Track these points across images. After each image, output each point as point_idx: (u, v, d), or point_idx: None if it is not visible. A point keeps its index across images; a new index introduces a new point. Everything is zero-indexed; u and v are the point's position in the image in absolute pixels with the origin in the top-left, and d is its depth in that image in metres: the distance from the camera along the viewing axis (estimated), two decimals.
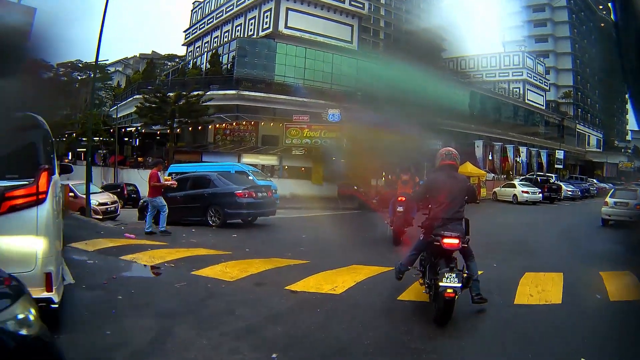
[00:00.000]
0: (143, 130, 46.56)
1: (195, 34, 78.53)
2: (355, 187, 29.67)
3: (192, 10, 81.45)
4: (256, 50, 54.15)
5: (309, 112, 43.87)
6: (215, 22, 72.04)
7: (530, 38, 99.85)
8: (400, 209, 13.29)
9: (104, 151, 54.71)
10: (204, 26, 75.89)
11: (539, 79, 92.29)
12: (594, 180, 64.33)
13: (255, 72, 52.97)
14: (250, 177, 26.43)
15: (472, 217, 8.00)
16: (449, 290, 6.74)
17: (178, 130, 44.21)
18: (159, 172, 16.20)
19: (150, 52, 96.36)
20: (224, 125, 47.19)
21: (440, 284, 6.82)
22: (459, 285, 6.86)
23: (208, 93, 45.48)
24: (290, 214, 25.22)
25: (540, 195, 40.18)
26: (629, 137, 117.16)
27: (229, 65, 57.49)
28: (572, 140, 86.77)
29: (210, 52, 62.86)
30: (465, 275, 7.16)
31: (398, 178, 15.15)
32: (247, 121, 47.01)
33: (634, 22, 3.41)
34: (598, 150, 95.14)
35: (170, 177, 18.62)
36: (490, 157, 51.54)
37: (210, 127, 46.40)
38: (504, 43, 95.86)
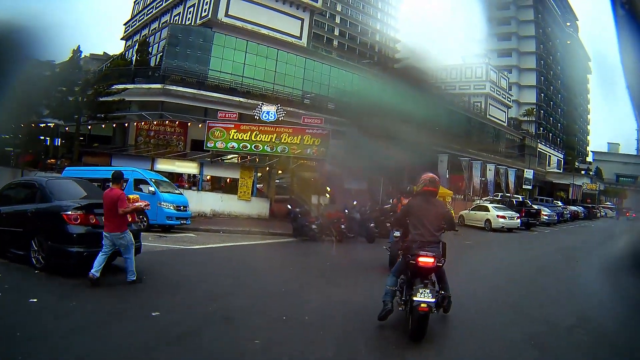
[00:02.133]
0: (67, 129, 38.23)
1: (135, 26, 69.56)
2: (290, 207, 22.87)
3: (134, 1, 72.54)
4: (190, 40, 46.14)
5: (242, 110, 37.49)
6: (154, 12, 63.32)
7: (493, 52, 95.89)
8: (397, 234, 11.59)
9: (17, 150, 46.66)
10: (143, 17, 67.08)
11: (503, 94, 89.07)
12: (559, 202, 61.37)
13: (187, 64, 45.24)
14: (151, 188, 21.34)
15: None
16: (422, 305, 7.25)
17: (90, 127, 36.43)
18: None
19: (102, 53, 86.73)
20: (147, 125, 39.41)
21: (415, 298, 7.35)
22: (433, 300, 7.44)
23: (129, 87, 38.61)
24: (204, 239, 19.30)
25: (519, 220, 34.11)
26: (589, 159, 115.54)
27: (158, 56, 49.86)
28: (533, 159, 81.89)
29: (139, 41, 55.45)
30: (441, 294, 8.21)
31: (399, 201, 14.53)
32: (172, 122, 39.32)
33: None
34: (558, 171, 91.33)
35: (136, 197, 11.70)
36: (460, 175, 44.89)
37: (134, 125, 39.09)
38: (463, 57, 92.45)
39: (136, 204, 10.77)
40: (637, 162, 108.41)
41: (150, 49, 53.66)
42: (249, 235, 21.59)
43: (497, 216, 32.91)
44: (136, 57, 53.14)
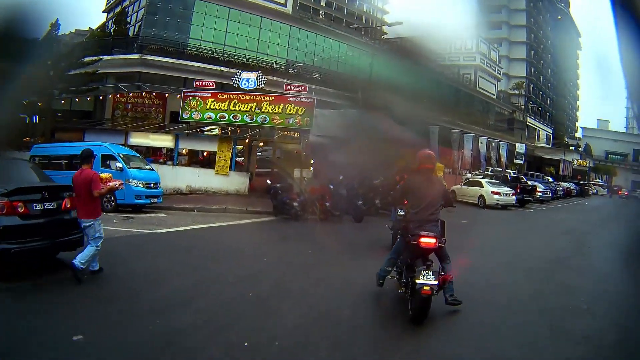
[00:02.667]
0: (40, 104, 35.82)
1: None
2: (269, 182, 21.29)
3: None
4: (169, 8, 44.07)
5: (224, 79, 34.67)
6: None
7: (483, 24, 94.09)
8: (401, 212, 9.63)
9: None
10: None
11: (493, 66, 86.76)
12: (549, 178, 58.74)
13: (166, 33, 43.42)
14: (119, 165, 19.48)
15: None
16: (425, 288, 7.05)
17: (63, 102, 34.12)
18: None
19: (87, 29, 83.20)
20: (124, 98, 37.22)
21: (417, 281, 7.13)
22: (436, 282, 7.19)
23: (105, 58, 36.26)
24: (174, 221, 17.19)
25: (514, 197, 32.30)
26: (578, 135, 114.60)
27: (137, 25, 47.52)
28: (522, 134, 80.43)
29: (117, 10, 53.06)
30: (442, 274, 7.66)
31: (401, 179, 12.76)
32: (149, 93, 37.15)
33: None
34: (547, 146, 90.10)
35: (109, 175, 9.85)
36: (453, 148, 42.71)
37: (110, 99, 36.56)
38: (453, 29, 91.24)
39: (109, 183, 9.26)
40: (627, 139, 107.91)
41: (129, 19, 51.25)
42: (224, 215, 19.61)
43: (492, 192, 30.99)
44: (114, 28, 50.68)
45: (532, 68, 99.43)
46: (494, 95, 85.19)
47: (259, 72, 29.10)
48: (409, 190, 8.12)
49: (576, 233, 21.57)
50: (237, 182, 27.09)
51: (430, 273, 7.12)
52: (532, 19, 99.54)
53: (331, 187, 19.77)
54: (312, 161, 27.28)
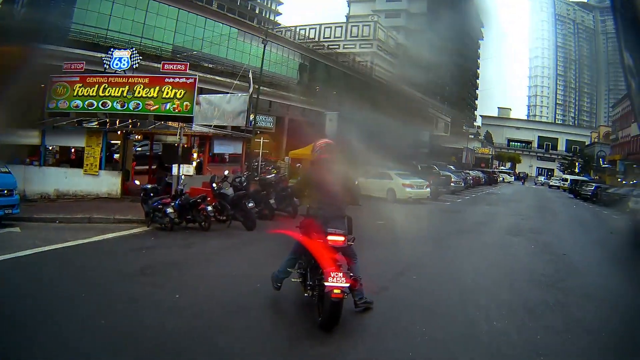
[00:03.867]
0: None
1: None
2: (138, 182, 17.91)
3: None
4: None
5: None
6: None
7: (381, 12, 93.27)
8: None
9: None
10: None
11: (390, 54, 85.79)
12: (452, 167, 56.85)
13: (49, 17, 38.32)
14: None
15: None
16: (336, 291, 6.44)
17: None
18: None
19: None
20: None
21: (326, 283, 6.47)
22: (347, 285, 6.60)
23: None
24: (24, 239, 13.06)
25: (428, 189, 29.28)
26: (477, 123, 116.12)
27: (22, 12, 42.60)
28: (420, 122, 79.63)
29: None
30: (352, 275, 7.02)
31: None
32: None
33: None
34: (446, 134, 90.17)
35: None
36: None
37: None
38: (347, 15, 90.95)
39: None
40: (529, 126, 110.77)
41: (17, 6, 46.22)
42: (88, 226, 15.54)
43: (403, 185, 27.68)
44: None
45: None
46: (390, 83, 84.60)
47: (133, 49, 24.43)
48: (308, 184, 7.75)
49: (525, 232, 18.87)
50: (108, 183, 22.61)
51: (340, 274, 6.50)
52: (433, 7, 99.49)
53: (213, 185, 16.11)
54: (195, 154, 23.60)
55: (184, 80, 22.50)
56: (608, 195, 40.34)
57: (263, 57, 26.43)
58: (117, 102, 22.65)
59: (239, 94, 24.28)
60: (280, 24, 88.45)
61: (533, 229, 20.30)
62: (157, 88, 22.30)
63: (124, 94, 22.59)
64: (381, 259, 11.22)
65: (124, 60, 23.22)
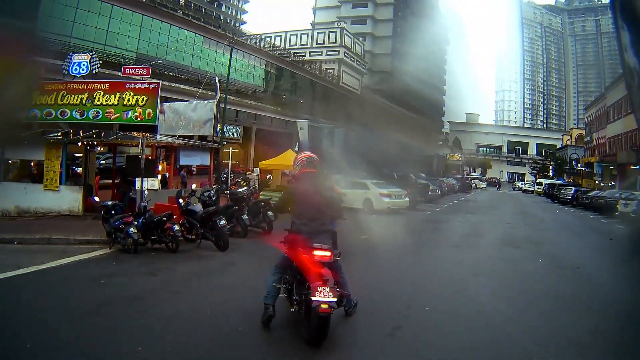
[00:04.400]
0: None
1: None
2: (97, 199, 16.91)
3: None
4: None
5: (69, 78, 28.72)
6: None
7: (347, 19, 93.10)
8: None
9: None
10: None
11: (357, 60, 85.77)
12: (422, 174, 56.46)
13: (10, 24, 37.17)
14: None
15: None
16: (323, 306, 6.33)
17: None
18: None
19: None
20: None
21: (314, 298, 6.38)
22: (334, 300, 6.47)
23: None
24: None
25: (407, 198, 28.37)
26: (446, 129, 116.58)
27: None
28: None
29: None
30: (339, 291, 6.90)
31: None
32: None
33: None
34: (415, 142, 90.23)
35: None
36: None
37: None
38: (312, 23, 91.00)
39: None
40: (498, 131, 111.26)
41: None
42: (46, 248, 14.11)
43: (380, 194, 26.73)
44: None
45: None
46: (358, 90, 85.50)
47: (93, 52, 23.00)
48: (292, 199, 7.61)
49: (523, 243, 18.02)
50: (69, 199, 21.07)
51: (327, 289, 6.44)
52: (399, 13, 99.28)
53: (180, 202, 14.83)
54: (160, 167, 22.18)
55: (145, 85, 20.92)
56: (590, 198, 40.38)
57: (230, 61, 25.09)
58: (75, 111, 20.88)
59: (205, 102, 22.90)
60: (245, 33, 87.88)
61: (529, 238, 19.54)
62: (118, 94, 20.63)
63: (83, 102, 20.83)
64: (384, 290, 9.99)
65: (83, 65, 21.59)
